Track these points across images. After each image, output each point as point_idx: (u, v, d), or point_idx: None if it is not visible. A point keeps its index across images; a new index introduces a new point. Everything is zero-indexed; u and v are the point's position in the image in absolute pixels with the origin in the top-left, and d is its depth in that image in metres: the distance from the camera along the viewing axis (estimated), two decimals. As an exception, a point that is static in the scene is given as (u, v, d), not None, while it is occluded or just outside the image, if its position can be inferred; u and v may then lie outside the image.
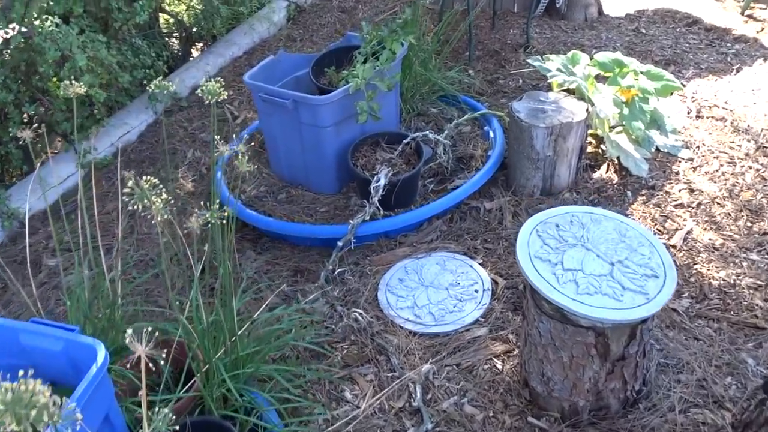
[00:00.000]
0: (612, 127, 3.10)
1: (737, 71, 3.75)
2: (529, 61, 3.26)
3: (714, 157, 3.03)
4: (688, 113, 3.37)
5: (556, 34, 4.37)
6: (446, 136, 3.09)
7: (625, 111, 3.02)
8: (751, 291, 2.30)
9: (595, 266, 1.75)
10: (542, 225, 1.90)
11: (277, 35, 4.71)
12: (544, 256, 1.79)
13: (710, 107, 3.41)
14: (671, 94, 3.27)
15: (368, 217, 2.63)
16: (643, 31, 4.36)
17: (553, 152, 2.77)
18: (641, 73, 3.18)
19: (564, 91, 3.12)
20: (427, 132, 2.92)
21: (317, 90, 2.95)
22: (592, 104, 2.95)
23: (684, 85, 3.59)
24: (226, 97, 1.65)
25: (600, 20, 4.57)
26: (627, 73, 3.18)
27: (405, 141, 2.86)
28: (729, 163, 2.98)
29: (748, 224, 2.62)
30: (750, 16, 4.46)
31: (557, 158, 2.79)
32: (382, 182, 2.64)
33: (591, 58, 3.33)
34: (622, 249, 1.81)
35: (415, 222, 2.76)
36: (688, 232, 2.61)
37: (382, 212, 2.67)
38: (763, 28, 4.26)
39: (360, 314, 2.35)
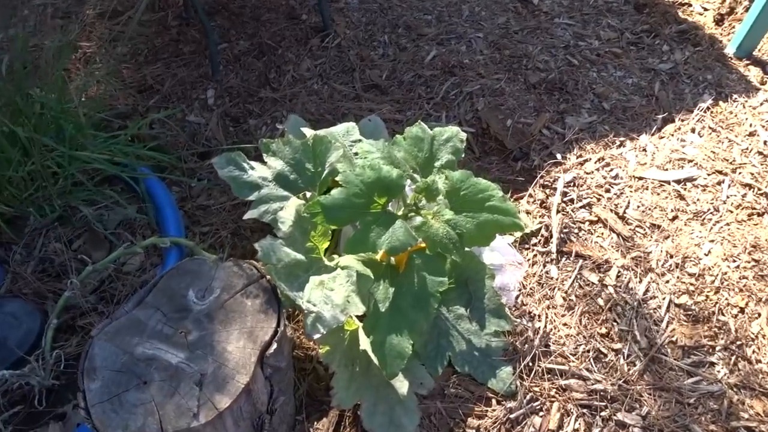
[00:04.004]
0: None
1: (663, 122, 2.08)
2: (216, 165, 1.58)
3: (554, 396, 1.52)
4: (545, 245, 1.78)
5: (387, 3, 2.57)
6: (60, 311, 1.55)
7: (384, 304, 1.44)
8: None
9: None
10: None
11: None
12: None
13: (589, 226, 1.82)
14: (503, 234, 1.68)
15: None
16: (535, 1, 2.56)
17: (178, 457, 1.25)
18: (444, 191, 1.54)
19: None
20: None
21: None
22: (302, 310, 1.37)
23: (545, 175, 1.95)
24: None
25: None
26: (398, 196, 1.56)
27: None
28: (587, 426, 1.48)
29: None
30: (718, -24, 2.65)
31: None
32: None
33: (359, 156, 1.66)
34: None
35: None
36: None
37: None
38: (732, 9, 2.48)
39: None
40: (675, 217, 1.82)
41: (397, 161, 1.58)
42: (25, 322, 1.68)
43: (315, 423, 1.50)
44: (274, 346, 1.29)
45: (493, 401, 1.50)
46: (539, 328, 1.62)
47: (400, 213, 1.55)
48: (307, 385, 1.55)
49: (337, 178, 1.43)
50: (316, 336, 1.35)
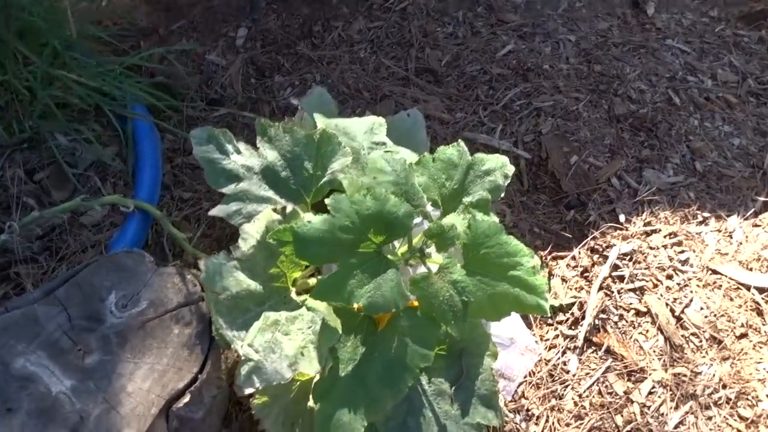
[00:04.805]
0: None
1: (764, 206, 1.67)
2: (193, 139, 1.26)
3: None
4: (572, 327, 1.44)
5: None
6: None
7: (347, 367, 1.15)
8: None
9: None
10: None
11: None
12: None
13: (634, 317, 1.46)
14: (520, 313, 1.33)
15: None
16: (650, 12, 2.11)
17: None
18: (462, 241, 1.19)
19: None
20: None
21: None
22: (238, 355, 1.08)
23: (599, 237, 1.58)
24: None
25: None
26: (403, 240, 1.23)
27: None
28: None
29: None
30: None
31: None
32: None
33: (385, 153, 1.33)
34: None
35: None
36: None
37: None
38: None
39: None
40: (743, 336, 1.44)
41: (413, 190, 1.25)
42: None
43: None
44: (187, 397, 1.01)
45: None
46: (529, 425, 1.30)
47: (399, 252, 1.23)
48: (239, 425, 1.28)
49: (326, 201, 1.11)
50: (248, 391, 1.06)
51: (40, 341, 1.02)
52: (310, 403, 1.18)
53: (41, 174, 1.61)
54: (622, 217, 1.60)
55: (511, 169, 1.37)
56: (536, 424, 1.31)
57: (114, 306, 1.07)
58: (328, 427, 1.11)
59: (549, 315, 1.35)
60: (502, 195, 1.36)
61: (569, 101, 1.81)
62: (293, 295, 1.19)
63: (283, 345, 1.11)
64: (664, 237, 1.58)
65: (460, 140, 1.36)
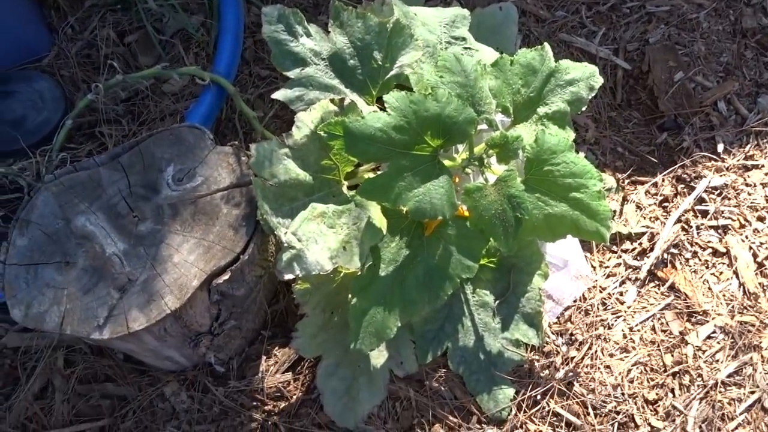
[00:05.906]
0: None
1: None
2: (264, 17, 1.21)
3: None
4: (638, 258, 1.36)
5: None
6: (80, 112, 1.41)
7: (388, 268, 1.15)
8: None
9: None
10: None
11: None
12: None
13: (710, 256, 1.36)
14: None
15: None
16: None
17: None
18: (531, 143, 1.12)
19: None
20: None
21: None
22: (280, 242, 1.11)
23: (689, 166, 1.44)
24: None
25: None
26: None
27: None
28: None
29: None
30: None
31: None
32: None
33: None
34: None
35: None
36: None
37: None
38: None
39: None
40: (831, 294, 1.31)
41: (480, 95, 1.17)
42: (48, 109, 1.55)
43: (276, 348, 1.31)
44: (227, 275, 1.06)
45: (474, 419, 1.23)
46: (573, 358, 1.27)
47: (459, 160, 1.18)
48: (286, 303, 1.34)
49: (384, 98, 1.07)
50: (288, 277, 1.10)
51: (100, 203, 1.08)
52: (351, 296, 1.20)
53: (131, 37, 1.65)
54: (720, 147, 1.44)
55: (599, 81, 1.26)
56: (578, 349, 1.28)
57: (171, 178, 1.11)
58: (361, 322, 1.13)
59: (608, 244, 1.27)
60: (584, 108, 1.26)
61: (690, 8, 1.60)
62: (344, 188, 1.19)
63: (327, 237, 1.12)
64: (766, 174, 1.42)
65: (545, 44, 1.25)
